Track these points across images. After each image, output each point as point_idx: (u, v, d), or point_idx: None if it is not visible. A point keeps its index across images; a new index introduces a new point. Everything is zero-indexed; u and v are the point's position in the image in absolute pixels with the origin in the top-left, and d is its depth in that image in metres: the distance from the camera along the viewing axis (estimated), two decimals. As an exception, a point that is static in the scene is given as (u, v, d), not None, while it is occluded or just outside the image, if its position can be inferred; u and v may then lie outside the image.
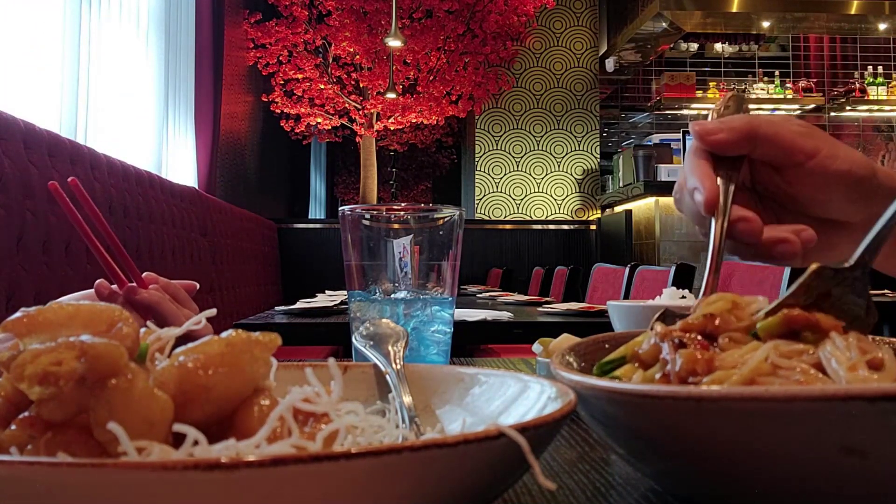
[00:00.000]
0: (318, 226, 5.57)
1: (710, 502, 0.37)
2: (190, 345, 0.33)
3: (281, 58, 5.73)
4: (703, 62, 7.02)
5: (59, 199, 0.75)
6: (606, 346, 0.50)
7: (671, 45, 6.20)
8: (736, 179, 0.52)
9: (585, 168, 6.16)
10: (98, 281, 0.82)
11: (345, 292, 0.90)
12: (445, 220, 0.72)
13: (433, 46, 5.84)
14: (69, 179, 0.78)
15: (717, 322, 0.39)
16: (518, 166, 6.15)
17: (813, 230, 0.50)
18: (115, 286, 0.81)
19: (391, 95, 5.74)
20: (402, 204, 0.73)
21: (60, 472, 0.23)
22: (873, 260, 0.40)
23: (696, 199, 0.51)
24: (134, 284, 0.80)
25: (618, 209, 5.29)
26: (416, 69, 6.01)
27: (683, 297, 0.89)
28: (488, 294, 3.40)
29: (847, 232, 0.55)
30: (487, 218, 6.08)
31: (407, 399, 0.44)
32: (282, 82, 5.90)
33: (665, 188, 4.57)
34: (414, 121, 6.21)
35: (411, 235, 0.71)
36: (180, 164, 3.66)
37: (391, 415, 0.43)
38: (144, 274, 0.83)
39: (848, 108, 6.79)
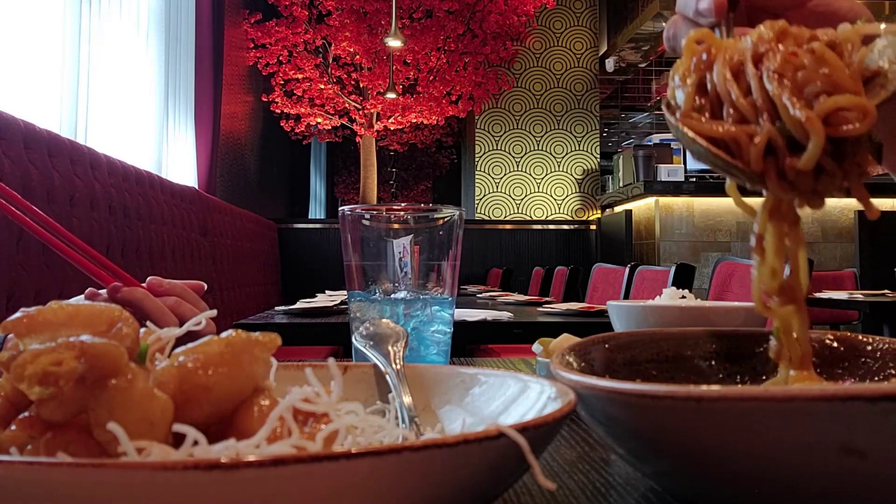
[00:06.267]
0: (318, 226, 5.57)
1: (710, 502, 0.37)
2: (190, 345, 0.33)
3: (281, 58, 5.73)
4: (703, 62, 7.02)
5: None
6: (606, 345, 0.50)
7: (671, 45, 6.19)
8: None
9: (585, 168, 6.16)
10: (88, 290, 0.81)
11: (345, 292, 0.90)
12: (445, 220, 0.72)
13: (433, 46, 5.84)
14: None
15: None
16: (518, 166, 6.15)
17: None
18: (101, 291, 0.79)
19: (391, 95, 5.74)
20: (402, 204, 0.73)
21: (60, 472, 0.23)
22: None
23: (703, 5, 0.48)
24: (118, 283, 0.79)
25: (618, 209, 5.28)
26: (416, 69, 6.01)
27: (683, 296, 0.88)
28: (488, 294, 3.40)
29: None
30: (487, 218, 6.08)
31: (407, 399, 0.44)
32: (282, 82, 5.90)
33: (665, 188, 4.57)
34: (414, 121, 6.21)
35: (411, 235, 0.71)
36: (180, 164, 3.66)
37: (391, 415, 0.43)
38: (149, 279, 0.82)
39: (848, 108, 6.78)
